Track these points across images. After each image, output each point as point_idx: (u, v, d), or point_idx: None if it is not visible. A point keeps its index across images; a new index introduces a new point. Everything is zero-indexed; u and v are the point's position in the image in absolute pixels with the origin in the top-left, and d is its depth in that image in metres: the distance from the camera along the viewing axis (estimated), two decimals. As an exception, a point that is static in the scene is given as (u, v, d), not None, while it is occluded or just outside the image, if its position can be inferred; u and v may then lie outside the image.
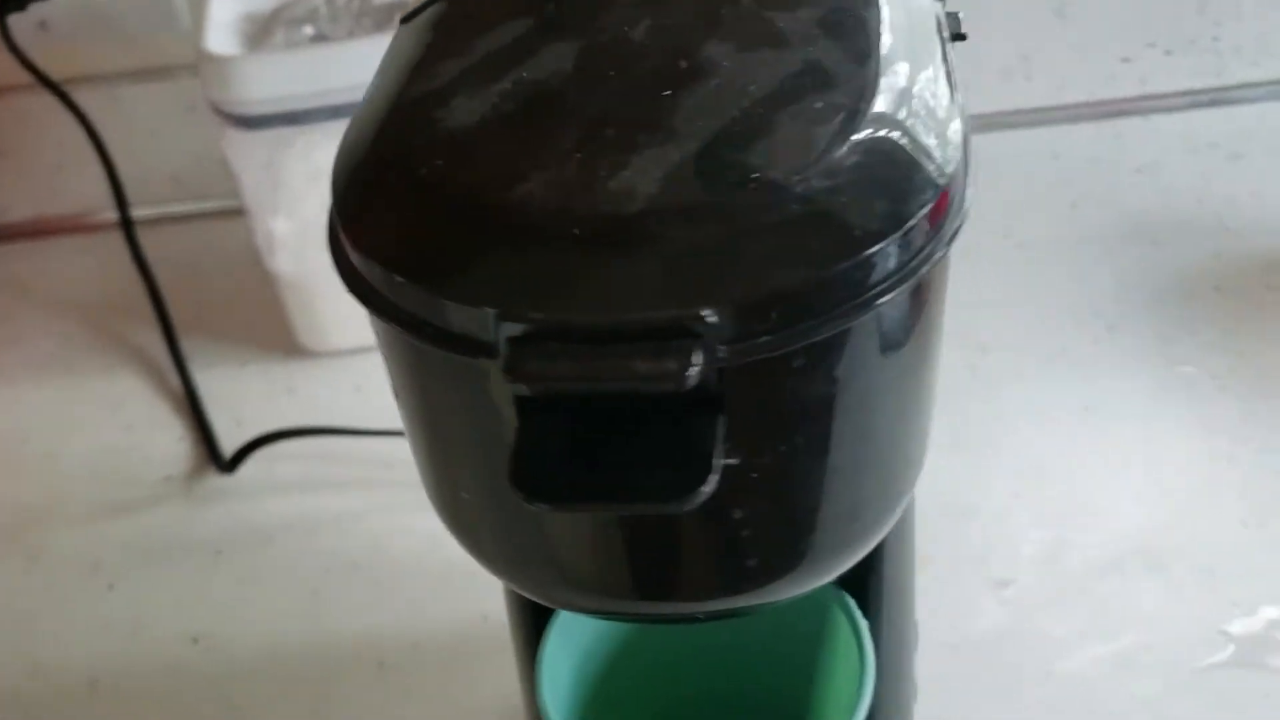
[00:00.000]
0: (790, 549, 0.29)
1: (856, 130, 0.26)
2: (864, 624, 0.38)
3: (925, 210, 0.26)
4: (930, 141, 0.27)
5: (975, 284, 0.75)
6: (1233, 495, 0.61)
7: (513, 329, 0.24)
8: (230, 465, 0.67)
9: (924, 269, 0.26)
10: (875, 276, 0.25)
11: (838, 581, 0.39)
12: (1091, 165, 0.83)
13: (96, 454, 0.70)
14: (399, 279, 0.25)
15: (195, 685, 0.58)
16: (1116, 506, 0.62)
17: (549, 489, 0.24)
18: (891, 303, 0.25)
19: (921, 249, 0.26)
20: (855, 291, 0.25)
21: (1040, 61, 0.86)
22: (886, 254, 0.25)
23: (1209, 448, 0.64)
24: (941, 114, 0.27)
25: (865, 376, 0.27)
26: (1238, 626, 0.56)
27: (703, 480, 0.24)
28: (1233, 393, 0.66)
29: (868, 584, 0.39)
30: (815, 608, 0.40)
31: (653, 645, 0.42)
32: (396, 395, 0.30)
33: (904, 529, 0.40)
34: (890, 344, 0.27)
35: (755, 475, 0.27)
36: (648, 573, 0.30)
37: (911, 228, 0.25)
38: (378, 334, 0.28)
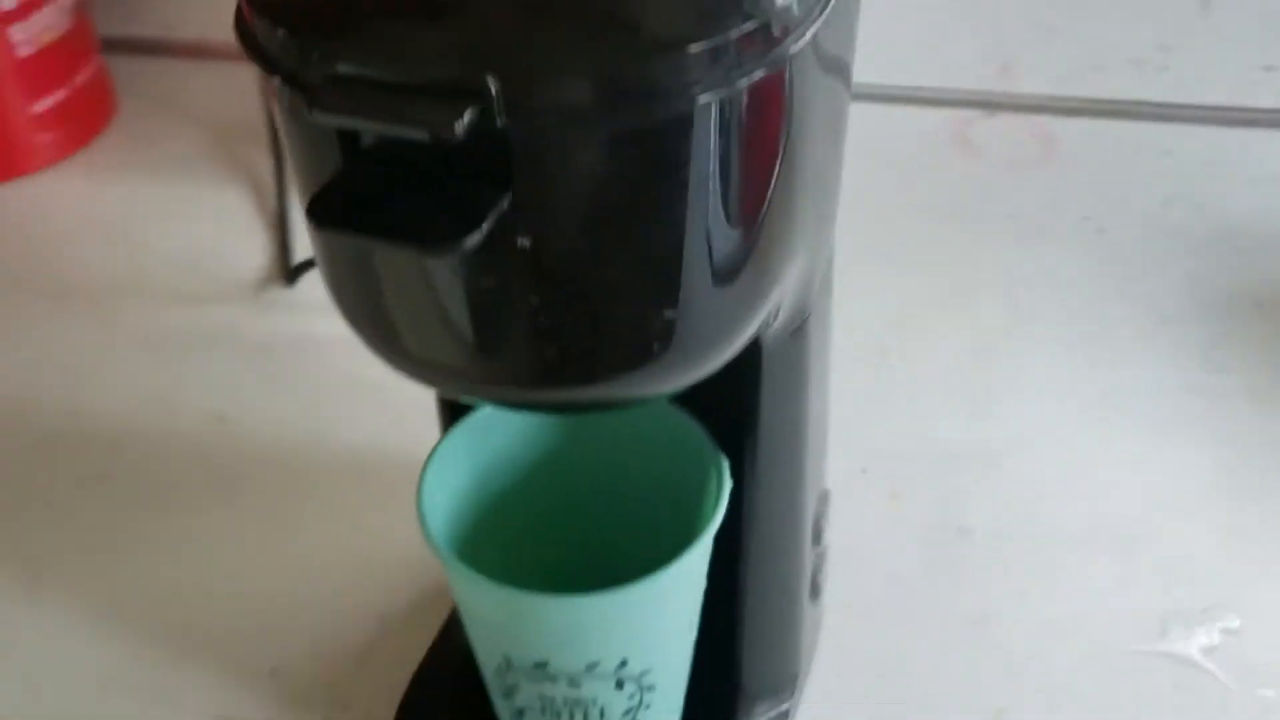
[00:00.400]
0: (586, 345, 0.32)
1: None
2: (724, 462, 0.41)
3: (714, 35, 0.27)
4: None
5: (1039, 257, 0.75)
6: (1223, 504, 0.60)
7: (329, 69, 0.27)
8: (291, 277, 0.73)
9: (712, 88, 0.28)
10: (661, 82, 0.27)
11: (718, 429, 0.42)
12: (1203, 168, 0.80)
13: (186, 250, 0.77)
14: (265, 22, 0.29)
15: (211, 456, 0.64)
16: (1104, 487, 0.61)
17: (332, 216, 0.28)
18: (675, 113, 0.27)
19: (721, 67, 0.28)
20: (638, 92, 0.27)
21: (1178, 55, 0.83)
22: (669, 63, 0.27)
23: (1215, 454, 0.62)
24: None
25: (657, 183, 0.29)
26: (1179, 621, 0.55)
27: (462, 234, 0.27)
28: (1260, 408, 0.64)
29: (744, 438, 0.41)
30: (685, 446, 0.42)
31: (535, 479, 0.45)
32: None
33: (790, 388, 0.41)
34: (684, 157, 0.29)
35: (545, 263, 0.29)
36: (474, 351, 0.32)
37: (695, 50, 0.27)
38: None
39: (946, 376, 0.67)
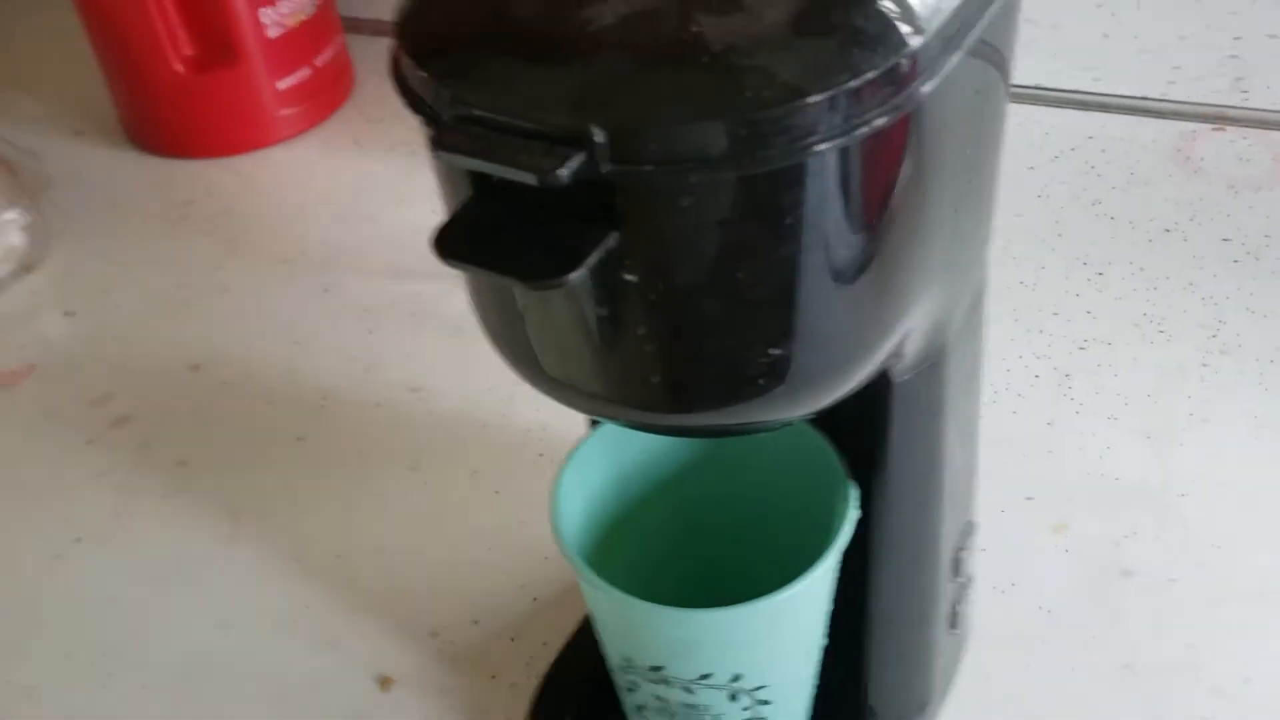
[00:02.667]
0: (693, 377, 0.33)
1: (806, 10, 0.28)
2: (853, 490, 0.41)
3: (829, 85, 0.28)
4: (865, 23, 0.28)
5: (1253, 285, 0.71)
6: None
7: (454, 110, 0.29)
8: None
9: (830, 138, 0.28)
10: (772, 134, 0.28)
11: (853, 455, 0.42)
12: None
13: (404, 225, 0.82)
14: (410, 63, 0.31)
15: (402, 425, 0.69)
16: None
17: (452, 247, 0.30)
18: (785, 164, 0.28)
19: (834, 119, 0.28)
20: (749, 144, 0.28)
21: None
22: (779, 117, 0.27)
23: None
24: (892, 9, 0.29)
25: (761, 229, 0.29)
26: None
27: (566, 271, 0.28)
28: None
29: (874, 469, 0.42)
30: (818, 470, 0.43)
31: (669, 489, 0.47)
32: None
33: (925, 423, 0.41)
34: (793, 204, 0.29)
35: (650, 298, 0.31)
36: (593, 374, 0.34)
37: (807, 101, 0.28)
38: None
39: (1131, 405, 0.65)
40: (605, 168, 0.28)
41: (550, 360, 0.35)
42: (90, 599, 0.62)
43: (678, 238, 0.30)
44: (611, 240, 0.29)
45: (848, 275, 0.32)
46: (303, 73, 0.89)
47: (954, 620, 0.51)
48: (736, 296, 0.31)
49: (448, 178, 0.33)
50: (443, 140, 0.29)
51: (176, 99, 0.88)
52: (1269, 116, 0.80)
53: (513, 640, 0.58)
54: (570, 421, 0.43)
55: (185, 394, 0.72)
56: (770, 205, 0.30)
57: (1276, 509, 0.59)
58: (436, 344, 0.73)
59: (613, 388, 0.34)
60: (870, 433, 0.42)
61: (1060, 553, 0.59)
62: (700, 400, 0.34)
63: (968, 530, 0.50)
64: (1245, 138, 0.80)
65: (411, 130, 0.91)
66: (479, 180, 0.31)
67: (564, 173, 0.27)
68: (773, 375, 0.33)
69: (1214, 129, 0.80)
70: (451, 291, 0.77)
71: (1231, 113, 0.80)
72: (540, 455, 0.66)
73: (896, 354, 0.38)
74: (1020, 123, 0.83)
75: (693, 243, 0.30)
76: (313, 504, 0.65)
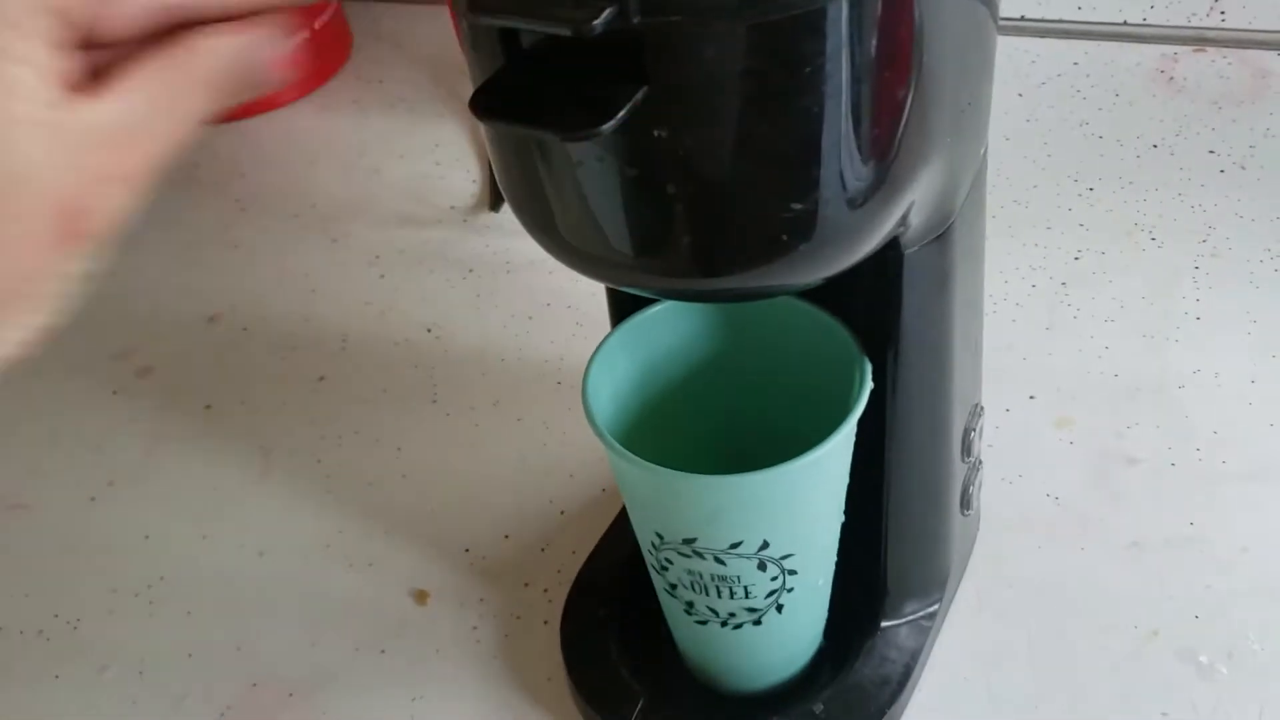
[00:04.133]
0: (721, 235, 0.35)
1: None
2: (865, 364, 0.43)
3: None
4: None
5: (1239, 194, 0.73)
6: None
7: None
8: (495, 204, 0.79)
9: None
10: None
11: (864, 334, 0.44)
12: None
13: (408, 177, 0.84)
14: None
15: (420, 363, 0.71)
16: (1283, 424, 0.60)
17: (489, 107, 0.32)
18: (807, 8, 0.30)
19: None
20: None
21: None
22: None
23: None
24: None
25: (786, 78, 0.32)
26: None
27: (599, 124, 0.30)
28: None
29: (887, 342, 0.44)
30: (832, 349, 0.45)
31: (692, 377, 0.49)
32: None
33: (933, 294, 0.43)
34: (815, 51, 0.31)
35: (679, 154, 0.33)
36: (620, 237, 0.36)
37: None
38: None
39: (1128, 308, 0.67)
40: (635, 19, 0.30)
41: (580, 229, 0.37)
42: (128, 536, 0.64)
43: (704, 90, 0.32)
44: (640, 95, 0.31)
45: (865, 127, 0.34)
46: (303, 35, 0.91)
47: (966, 501, 0.53)
48: (760, 150, 0.33)
49: (478, 47, 0.34)
50: (480, 2, 0.31)
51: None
52: (1246, 36, 0.82)
53: (543, 550, 0.60)
54: (588, 350, 0.46)
55: (206, 344, 0.74)
56: (791, 54, 0.32)
57: (1270, 395, 0.62)
58: (449, 286, 0.75)
59: (643, 253, 0.36)
60: (882, 308, 0.44)
61: (1065, 445, 0.61)
62: (728, 261, 0.36)
63: (976, 413, 0.52)
64: (1225, 57, 0.82)
65: (410, 88, 0.94)
66: (511, 45, 0.33)
67: (598, 24, 0.29)
68: (796, 232, 0.35)
69: (1195, 50, 0.83)
70: (461, 237, 0.79)
71: (1210, 34, 0.83)
72: (559, 384, 0.68)
73: (904, 223, 0.40)
74: (1008, 54, 0.85)
75: (718, 95, 0.32)
76: (339, 438, 0.67)
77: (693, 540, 0.44)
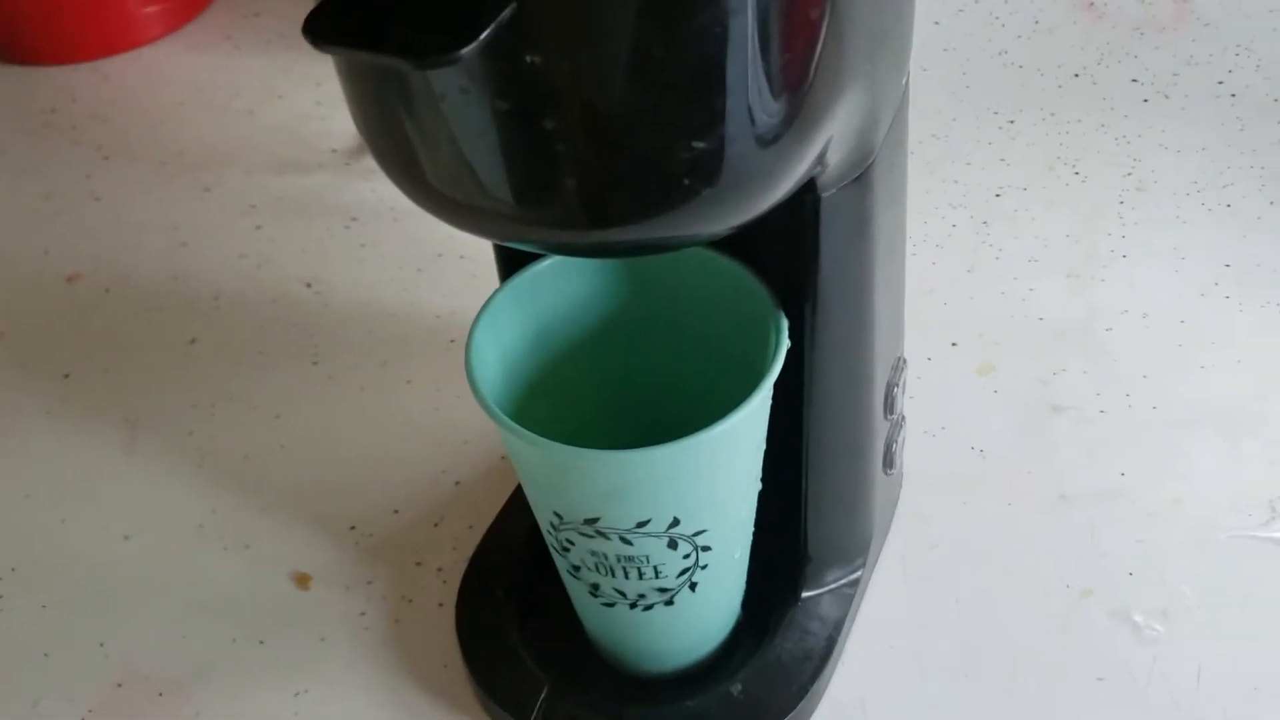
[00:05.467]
0: (613, 179, 0.30)
1: None
2: (782, 320, 0.39)
3: None
4: None
5: (1164, 123, 0.70)
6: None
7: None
8: (381, 146, 0.73)
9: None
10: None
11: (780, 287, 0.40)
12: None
13: (286, 119, 0.78)
14: None
15: (300, 321, 0.65)
16: (1214, 366, 0.58)
17: (326, 30, 0.27)
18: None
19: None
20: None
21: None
22: None
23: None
24: None
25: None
26: (1287, 505, 0.52)
27: (457, 46, 0.26)
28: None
29: (804, 294, 0.40)
30: (744, 303, 0.41)
31: (591, 338, 0.44)
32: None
33: (853, 241, 0.39)
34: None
35: (557, 83, 0.28)
36: (498, 185, 0.31)
37: None
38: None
39: (1051, 246, 0.64)
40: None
41: (450, 176, 0.32)
42: (-23, 522, 0.58)
43: (584, 4, 0.27)
44: (509, 11, 0.26)
45: (774, 50, 0.29)
46: (166, -35, 0.84)
47: (889, 460, 0.49)
48: (653, 77, 0.28)
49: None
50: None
51: (31, 1, 0.81)
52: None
53: (436, 525, 0.55)
54: (476, 303, 0.41)
55: (63, 306, 0.68)
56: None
57: (1199, 336, 0.59)
58: (330, 237, 0.70)
59: (523, 201, 0.32)
60: (799, 256, 0.40)
61: (989, 394, 0.58)
62: (621, 209, 0.31)
63: (899, 366, 0.48)
64: (1145, -18, 0.79)
65: (289, 22, 0.87)
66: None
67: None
68: (700, 174, 0.31)
69: (1114, -26, 0.79)
70: (343, 182, 0.73)
71: (1129, -43, 0.79)
72: (452, 341, 0.63)
73: (821, 162, 0.35)
74: (920, -21, 0.81)
75: (602, 10, 0.27)
76: (212, 407, 0.61)
77: (595, 520, 0.40)
